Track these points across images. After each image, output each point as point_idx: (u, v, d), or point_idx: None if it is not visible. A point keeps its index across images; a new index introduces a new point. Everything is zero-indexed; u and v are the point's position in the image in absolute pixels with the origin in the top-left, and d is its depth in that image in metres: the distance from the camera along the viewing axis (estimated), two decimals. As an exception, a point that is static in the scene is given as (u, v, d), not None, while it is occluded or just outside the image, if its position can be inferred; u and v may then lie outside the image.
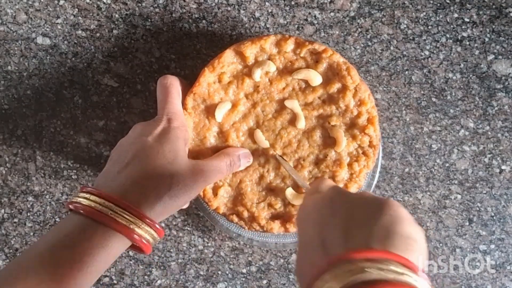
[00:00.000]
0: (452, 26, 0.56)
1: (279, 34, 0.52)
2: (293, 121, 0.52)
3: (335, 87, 0.52)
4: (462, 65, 0.56)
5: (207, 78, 0.51)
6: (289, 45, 0.51)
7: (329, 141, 0.52)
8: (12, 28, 0.58)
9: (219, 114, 0.52)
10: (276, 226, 0.52)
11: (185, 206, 0.53)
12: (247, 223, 0.53)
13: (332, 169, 0.52)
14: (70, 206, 0.42)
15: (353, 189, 0.52)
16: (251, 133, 0.53)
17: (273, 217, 0.53)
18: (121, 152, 0.46)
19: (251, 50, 0.51)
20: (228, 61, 0.52)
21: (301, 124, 0.52)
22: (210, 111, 0.52)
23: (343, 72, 0.51)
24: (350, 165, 0.52)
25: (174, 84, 0.49)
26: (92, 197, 0.42)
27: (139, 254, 0.60)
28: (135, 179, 0.43)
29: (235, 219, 0.53)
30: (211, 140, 0.53)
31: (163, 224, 0.60)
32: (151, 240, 0.43)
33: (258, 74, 0.52)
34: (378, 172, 0.55)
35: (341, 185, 0.52)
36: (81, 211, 0.41)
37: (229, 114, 0.52)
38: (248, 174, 0.53)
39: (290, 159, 0.53)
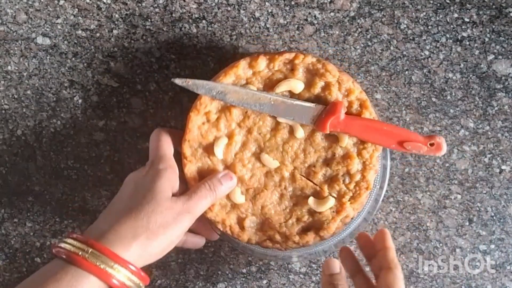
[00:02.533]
0: (452, 26, 0.56)
1: (248, 57, 0.51)
2: (291, 132, 0.52)
3: (318, 86, 0.51)
4: (462, 65, 0.56)
5: (195, 122, 0.51)
6: (261, 63, 0.51)
7: (333, 139, 0.52)
8: (12, 28, 0.58)
9: (218, 151, 0.52)
10: (310, 237, 0.52)
11: (179, 244, 0.51)
12: (282, 244, 0.52)
13: (344, 165, 0.52)
14: (53, 250, 0.44)
15: (370, 175, 0.51)
16: (257, 158, 0.53)
17: (305, 230, 0.52)
18: (114, 201, 0.49)
19: (227, 81, 0.51)
20: (209, 99, 0.51)
21: (300, 133, 0.52)
22: (209, 150, 0.52)
23: (321, 70, 0.51)
24: (360, 154, 0.51)
25: (163, 133, 0.51)
26: (69, 240, 0.44)
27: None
28: (113, 222, 0.45)
29: (270, 244, 0.52)
30: None
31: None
32: (129, 283, 0.43)
33: None
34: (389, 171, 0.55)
35: (358, 176, 0.51)
36: (63, 256, 0.43)
37: (228, 147, 0.52)
38: (267, 197, 0.52)
39: (301, 171, 0.52)
